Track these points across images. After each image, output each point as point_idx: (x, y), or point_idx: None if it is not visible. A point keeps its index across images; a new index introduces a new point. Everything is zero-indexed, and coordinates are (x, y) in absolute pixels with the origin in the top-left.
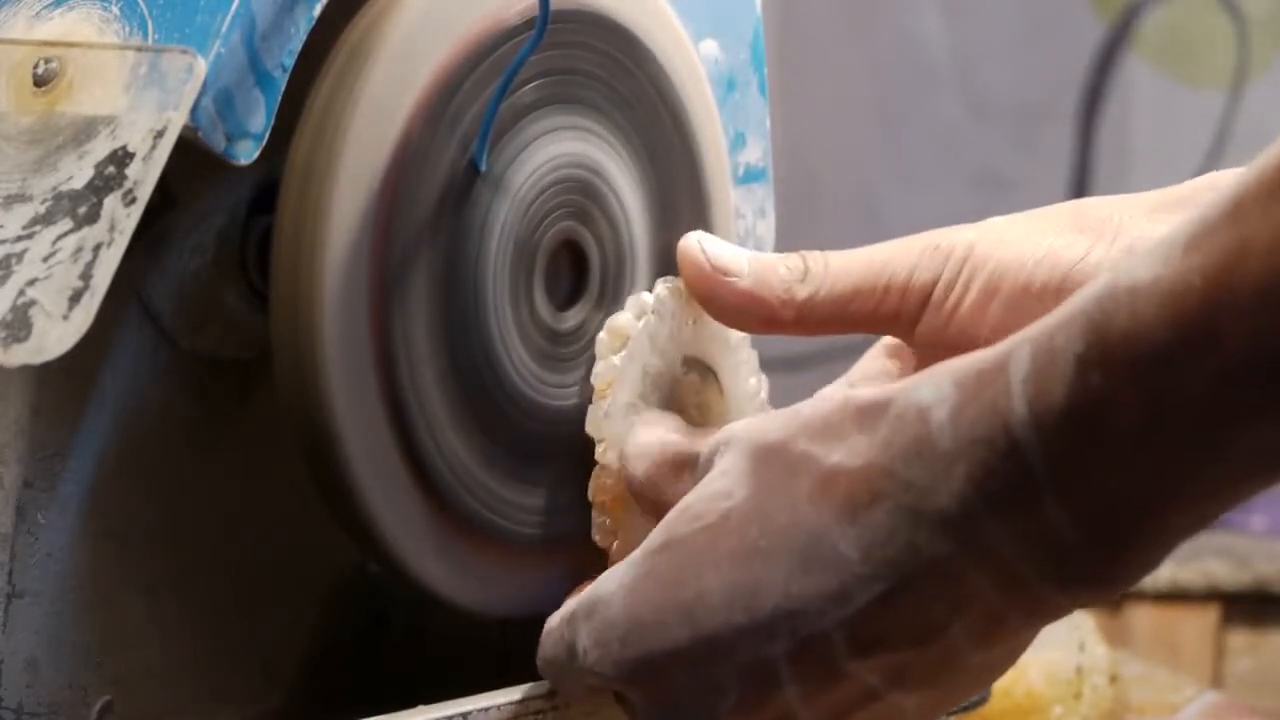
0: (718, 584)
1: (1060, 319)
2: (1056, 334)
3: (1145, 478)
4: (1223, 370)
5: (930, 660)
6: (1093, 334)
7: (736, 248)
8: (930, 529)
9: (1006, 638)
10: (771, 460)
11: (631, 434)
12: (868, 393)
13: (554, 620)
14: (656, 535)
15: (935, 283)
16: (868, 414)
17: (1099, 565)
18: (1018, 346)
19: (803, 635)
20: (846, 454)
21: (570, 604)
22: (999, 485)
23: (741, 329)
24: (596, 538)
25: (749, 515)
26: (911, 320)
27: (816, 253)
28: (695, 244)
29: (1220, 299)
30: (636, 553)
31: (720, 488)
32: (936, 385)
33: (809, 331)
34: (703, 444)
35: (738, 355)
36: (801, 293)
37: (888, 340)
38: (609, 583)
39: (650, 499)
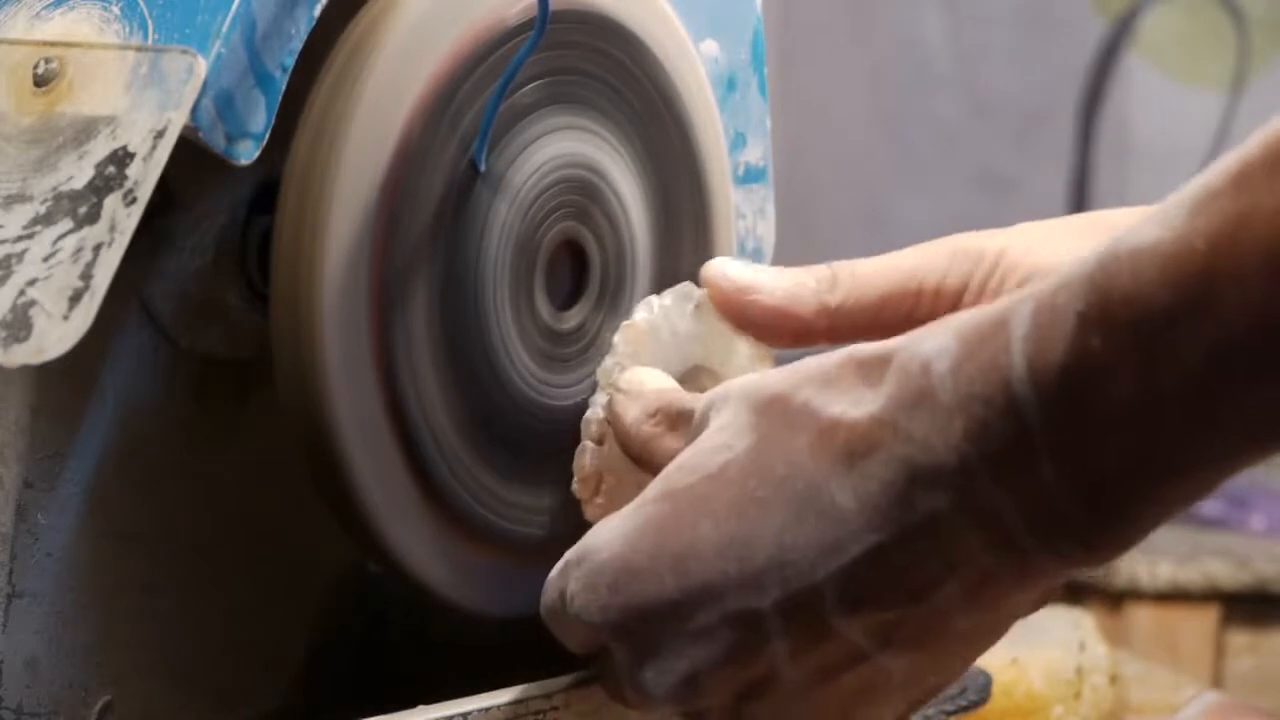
0: (712, 534)
1: (1064, 278)
2: (1059, 293)
3: (1141, 441)
4: (1220, 336)
5: (919, 621)
6: (1094, 294)
7: (759, 266)
8: (926, 482)
9: (995, 600)
10: (772, 412)
11: (628, 373)
12: (871, 346)
13: (556, 567)
14: (654, 486)
15: (966, 286)
16: (871, 366)
17: (1091, 528)
18: (1020, 304)
19: (793, 588)
20: (848, 405)
21: (568, 553)
22: (995, 442)
23: (774, 345)
24: None
25: (748, 466)
26: None
27: (843, 262)
28: (719, 269)
29: (1221, 264)
30: (633, 503)
31: (720, 440)
32: (939, 338)
33: (842, 340)
34: (698, 401)
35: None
36: (833, 300)
37: None
38: (603, 531)
39: (637, 448)
